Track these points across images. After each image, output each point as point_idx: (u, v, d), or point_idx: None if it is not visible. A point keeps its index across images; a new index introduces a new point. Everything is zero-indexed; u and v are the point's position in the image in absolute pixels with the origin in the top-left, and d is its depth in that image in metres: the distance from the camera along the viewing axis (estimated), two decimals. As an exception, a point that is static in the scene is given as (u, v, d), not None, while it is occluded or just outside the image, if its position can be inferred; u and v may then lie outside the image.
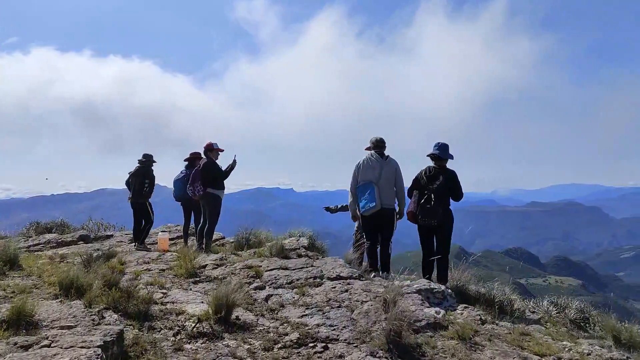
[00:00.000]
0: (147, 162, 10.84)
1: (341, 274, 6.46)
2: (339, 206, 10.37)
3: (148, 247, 10.49)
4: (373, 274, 7.00)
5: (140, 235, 10.59)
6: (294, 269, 6.74)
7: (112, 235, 12.48)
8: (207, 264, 7.17)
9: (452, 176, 6.97)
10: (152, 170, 10.78)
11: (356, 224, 8.64)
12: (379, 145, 7.38)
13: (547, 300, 7.45)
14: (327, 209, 10.85)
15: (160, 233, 10.54)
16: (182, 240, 11.21)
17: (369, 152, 7.47)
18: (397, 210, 7.37)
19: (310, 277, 6.36)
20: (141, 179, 10.57)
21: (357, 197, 7.35)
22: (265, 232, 10.21)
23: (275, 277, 6.38)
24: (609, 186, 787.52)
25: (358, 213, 7.43)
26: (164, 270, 6.96)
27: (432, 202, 6.86)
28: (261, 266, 6.91)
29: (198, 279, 6.47)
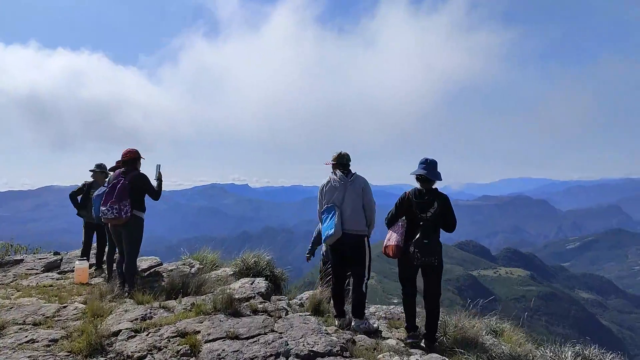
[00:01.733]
0: (102, 173, 8.98)
1: (315, 348, 4.47)
2: (312, 243, 9.01)
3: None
4: (338, 322, 5.90)
5: (101, 258, 8.88)
6: (246, 338, 4.69)
7: (22, 260, 10.03)
8: (121, 329, 4.97)
9: (447, 202, 5.65)
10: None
11: (323, 247, 7.90)
12: (341, 162, 6.18)
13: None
14: (310, 254, 9.28)
15: (77, 262, 8.30)
16: (98, 268, 9.06)
17: (332, 170, 6.28)
18: (368, 237, 6.12)
19: (271, 355, 4.33)
20: None
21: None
22: (211, 255, 8.54)
23: (219, 356, 4.32)
24: (555, 180, 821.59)
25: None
26: (55, 341, 4.75)
27: (430, 237, 5.50)
28: (199, 332, 4.81)
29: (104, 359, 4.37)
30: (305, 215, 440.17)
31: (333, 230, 5.74)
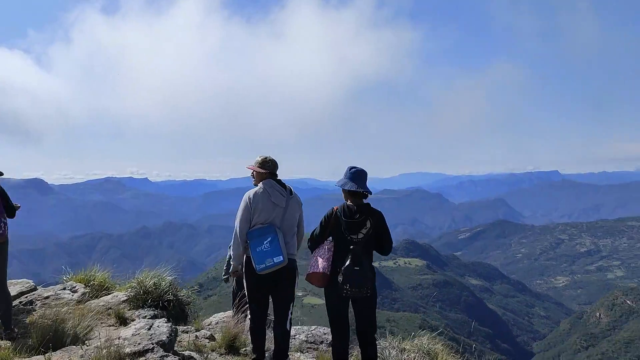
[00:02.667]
0: None
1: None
2: (225, 266, 7.29)
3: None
4: None
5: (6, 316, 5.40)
6: None
7: None
8: None
9: (382, 221, 4.83)
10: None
11: (232, 281, 6.75)
12: (273, 170, 5.02)
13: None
14: (227, 277, 7.41)
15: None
16: None
17: (252, 177, 5.13)
18: None
19: None
20: None
21: (246, 248, 4.84)
22: (100, 274, 6.95)
23: None
24: (449, 174, 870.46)
25: (240, 269, 4.99)
26: None
27: (362, 263, 4.59)
28: None
29: None
30: (208, 210, 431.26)
31: (282, 258, 4.63)
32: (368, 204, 4.89)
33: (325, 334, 6.15)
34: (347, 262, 4.58)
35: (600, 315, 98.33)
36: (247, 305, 5.15)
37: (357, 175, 4.88)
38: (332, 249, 4.84)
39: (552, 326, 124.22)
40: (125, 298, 6.16)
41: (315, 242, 4.96)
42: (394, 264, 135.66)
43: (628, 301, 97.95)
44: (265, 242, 4.70)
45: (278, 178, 5.03)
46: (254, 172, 5.06)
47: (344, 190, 4.92)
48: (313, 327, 6.46)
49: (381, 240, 4.83)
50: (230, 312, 6.81)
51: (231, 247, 5.11)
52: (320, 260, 4.84)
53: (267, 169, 4.97)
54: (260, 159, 5.02)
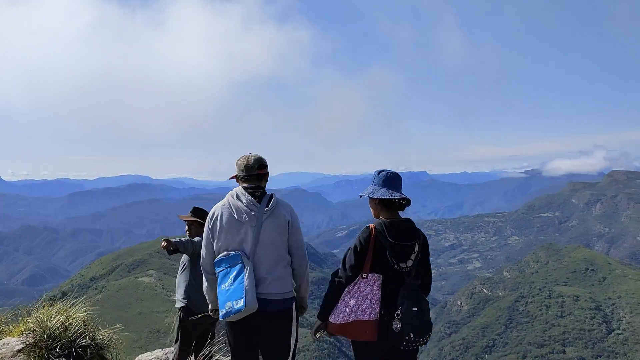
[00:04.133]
0: None
1: None
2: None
3: None
4: None
5: None
6: None
7: None
8: None
9: (427, 244, 3.66)
10: None
11: (175, 318, 5.29)
12: (250, 172, 3.65)
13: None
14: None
15: None
16: None
17: (234, 190, 3.69)
18: (296, 303, 3.72)
19: None
20: None
21: (214, 283, 3.61)
22: None
23: None
24: (327, 174, 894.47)
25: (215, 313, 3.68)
26: None
27: (421, 301, 3.42)
28: None
29: None
30: (72, 212, 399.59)
31: (243, 303, 3.28)
32: (410, 220, 3.64)
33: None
34: (404, 302, 3.35)
35: (461, 303, 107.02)
36: None
37: (392, 180, 3.66)
38: (379, 285, 3.46)
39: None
40: (22, 346, 4.35)
41: (349, 278, 3.53)
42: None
43: (484, 290, 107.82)
44: (227, 277, 3.45)
45: (257, 183, 3.66)
46: (237, 177, 3.77)
47: (373, 203, 3.67)
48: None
49: (423, 270, 3.60)
50: (158, 352, 5.97)
51: None
52: (364, 303, 3.43)
53: (241, 171, 3.67)
54: (239, 160, 3.72)
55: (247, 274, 3.39)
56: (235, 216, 3.51)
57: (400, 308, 3.33)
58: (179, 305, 5.20)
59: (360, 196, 3.68)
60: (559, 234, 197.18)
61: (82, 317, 4.79)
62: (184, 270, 5.32)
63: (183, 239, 5.11)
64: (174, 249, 4.98)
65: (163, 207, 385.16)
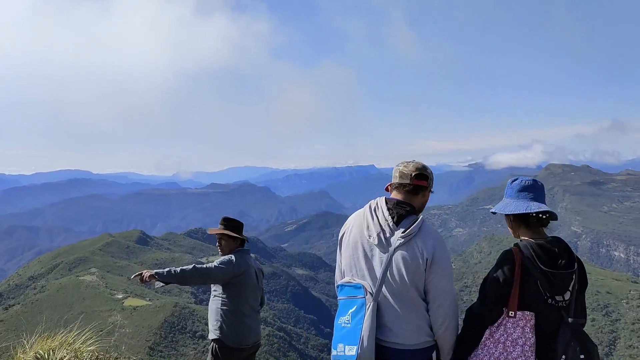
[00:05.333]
0: None
1: None
2: None
3: None
4: None
5: None
6: None
7: None
8: None
9: (584, 269, 2.77)
10: None
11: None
12: (407, 184, 2.88)
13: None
14: None
15: None
16: None
17: (378, 199, 2.94)
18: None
19: None
20: None
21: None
22: None
23: None
24: (276, 168, 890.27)
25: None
26: None
27: (588, 347, 2.57)
28: None
29: None
30: (7, 208, 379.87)
31: (355, 352, 2.58)
32: (561, 239, 2.80)
33: None
34: (568, 349, 2.55)
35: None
36: None
37: (529, 189, 2.94)
38: (532, 326, 2.64)
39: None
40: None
41: (489, 315, 2.72)
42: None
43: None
44: (347, 312, 2.72)
45: (405, 197, 2.87)
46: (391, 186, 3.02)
47: (508, 220, 2.96)
48: None
49: (580, 305, 2.74)
50: None
51: None
52: (510, 348, 2.62)
53: (394, 178, 2.94)
54: (400, 166, 2.97)
55: (367, 315, 2.63)
56: (366, 234, 2.75)
57: (563, 357, 2.53)
58: (211, 336, 4.58)
59: (493, 213, 2.95)
60: (500, 225, 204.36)
61: (93, 353, 3.78)
62: (215, 296, 4.54)
63: (172, 269, 4.15)
64: (161, 280, 4.09)
65: (105, 202, 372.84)
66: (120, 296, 79.86)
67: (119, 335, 65.70)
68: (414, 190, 2.83)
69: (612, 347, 71.11)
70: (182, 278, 4.08)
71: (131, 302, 77.47)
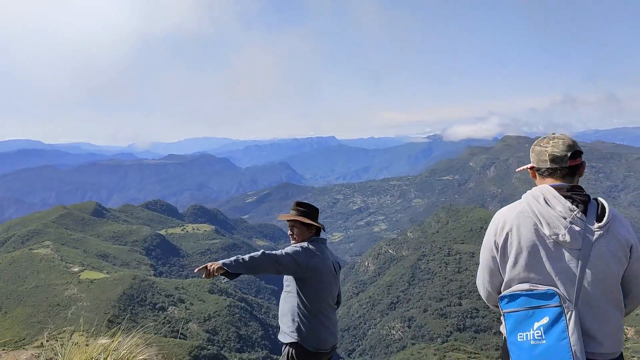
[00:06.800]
0: None
1: None
2: None
3: None
4: None
5: None
6: None
7: None
8: None
9: None
10: None
11: None
12: (564, 167, 2.54)
13: None
14: None
15: None
16: None
17: (536, 190, 2.56)
18: None
19: None
20: None
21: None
22: None
23: None
24: (235, 139, 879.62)
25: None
26: None
27: None
28: None
29: None
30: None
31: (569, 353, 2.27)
32: None
33: None
34: None
35: (368, 264, 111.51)
36: None
37: None
38: None
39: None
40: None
41: None
42: (182, 230, 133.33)
43: (390, 250, 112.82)
44: (532, 326, 2.38)
45: (573, 182, 2.56)
46: (533, 170, 2.71)
47: None
48: None
49: None
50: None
51: None
52: None
53: (541, 162, 2.62)
54: (546, 145, 2.59)
55: (571, 326, 2.28)
56: (547, 232, 2.39)
57: None
58: (286, 339, 3.95)
59: None
60: (458, 195, 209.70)
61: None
62: (289, 293, 4.05)
63: (240, 257, 3.66)
64: (226, 273, 3.54)
65: (57, 174, 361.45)
66: (77, 269, 78.27)
67: (75, 308, 64.70)
68: (571, 172, 2.53)
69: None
70: (252, 267, 3.63)
71: (88, 275, 76.09)
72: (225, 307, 72.23)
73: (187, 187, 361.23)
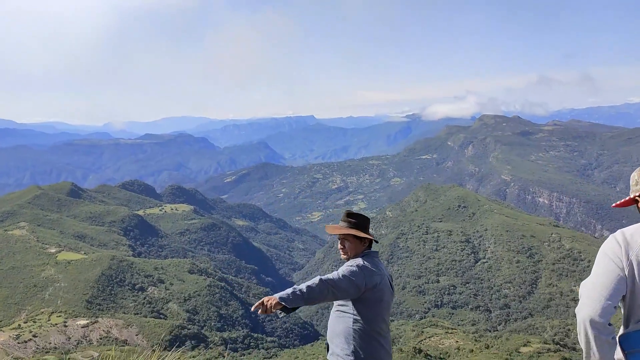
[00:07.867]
0: None
1: None
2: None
3: None
4: None
5: None
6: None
7: None
8: None
9: None
10: None
11: None
12: None
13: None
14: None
15: None
16: None
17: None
18: None
19: None
20: None
21: (607, 347, 2.30)
22: None
23: None
24: (213, 119, 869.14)
25: None
26: None
27: None
28: None
29: None
30: None
31: None
32: None
33: None
34: None
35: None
36: None
37: None
38: None
39: (309, 257, 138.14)
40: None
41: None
42: (160, 210, 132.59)
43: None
44: None
45: None
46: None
47: None
48: None
49: None
50: None
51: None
52: None
53: None
54: None
55: None
56: None
57: None
58: None
59: None
60: (436, 174, 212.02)
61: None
62: (343, 313, 3.73)
63: (297, 289, 3.36)
64: (288, 305, 3.27)
65: (31, 154, 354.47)
66: (54, 250, 77.38)
67: (53, 289, 64.13)
68: None
69: (534, 285, 76.81)
70: (310, 299, 3.35)
71: (65, 255, 75.34)
72: (205, 287, 72.33)
73: (165, 167, 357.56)
